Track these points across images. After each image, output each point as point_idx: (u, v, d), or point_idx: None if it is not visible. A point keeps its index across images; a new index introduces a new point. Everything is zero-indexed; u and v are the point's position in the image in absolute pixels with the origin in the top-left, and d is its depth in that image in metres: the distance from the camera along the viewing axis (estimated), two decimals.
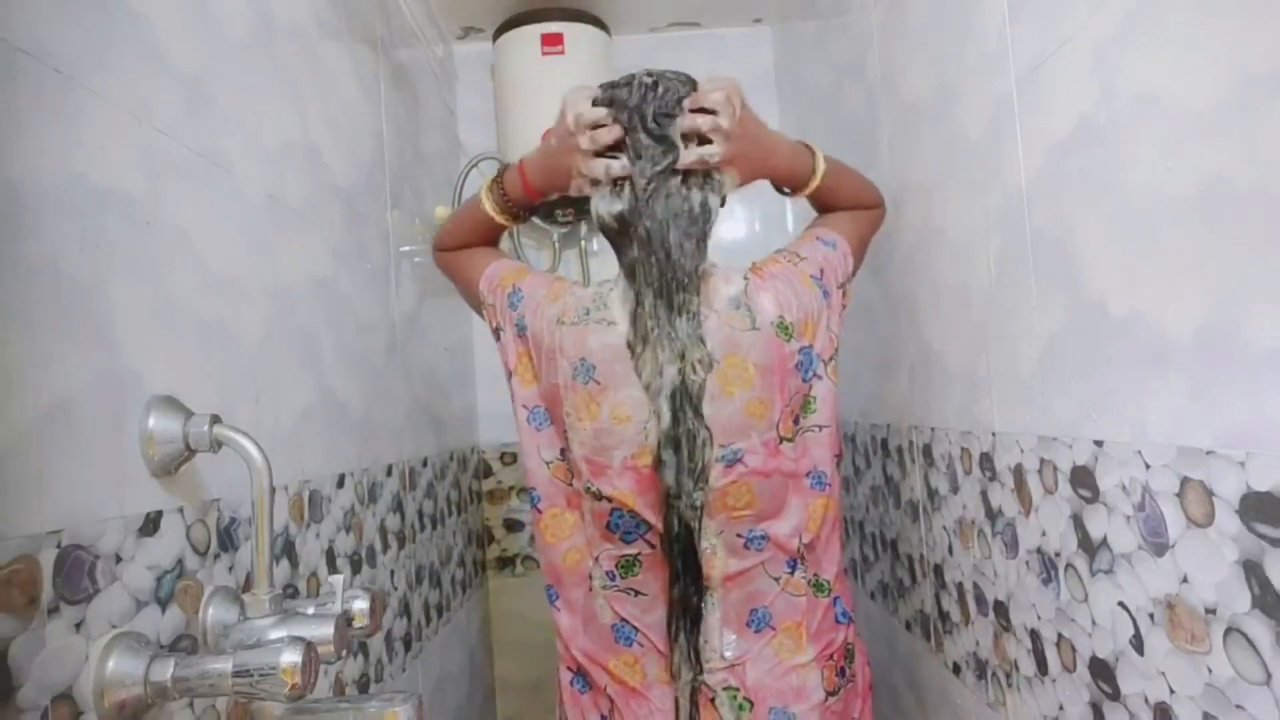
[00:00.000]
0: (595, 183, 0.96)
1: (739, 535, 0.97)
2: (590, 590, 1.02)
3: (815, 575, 1.02)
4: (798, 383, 0.99)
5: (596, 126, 0.95)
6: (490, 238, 1.12)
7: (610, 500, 0.97)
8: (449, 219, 1.16)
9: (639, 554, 1.00)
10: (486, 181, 1.07)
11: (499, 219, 1.07)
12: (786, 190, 1.08)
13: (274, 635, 0.66)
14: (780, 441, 0.97)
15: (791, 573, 1.00)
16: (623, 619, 1.01)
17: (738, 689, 0.98)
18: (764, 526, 0.98)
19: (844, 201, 1.09)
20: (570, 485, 1.02)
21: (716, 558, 0.97)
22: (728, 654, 0.98)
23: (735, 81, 0.97)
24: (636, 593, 1.00)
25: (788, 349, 0.97)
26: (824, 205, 1.10)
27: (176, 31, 0.77)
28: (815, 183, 1.05)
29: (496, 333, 1.07)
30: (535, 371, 1.03)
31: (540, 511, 1.04)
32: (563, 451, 1.02)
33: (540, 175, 1.02)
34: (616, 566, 1.00)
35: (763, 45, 2.19)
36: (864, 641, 1.09)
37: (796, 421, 1.00)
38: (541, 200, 1.06)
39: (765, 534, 0.98)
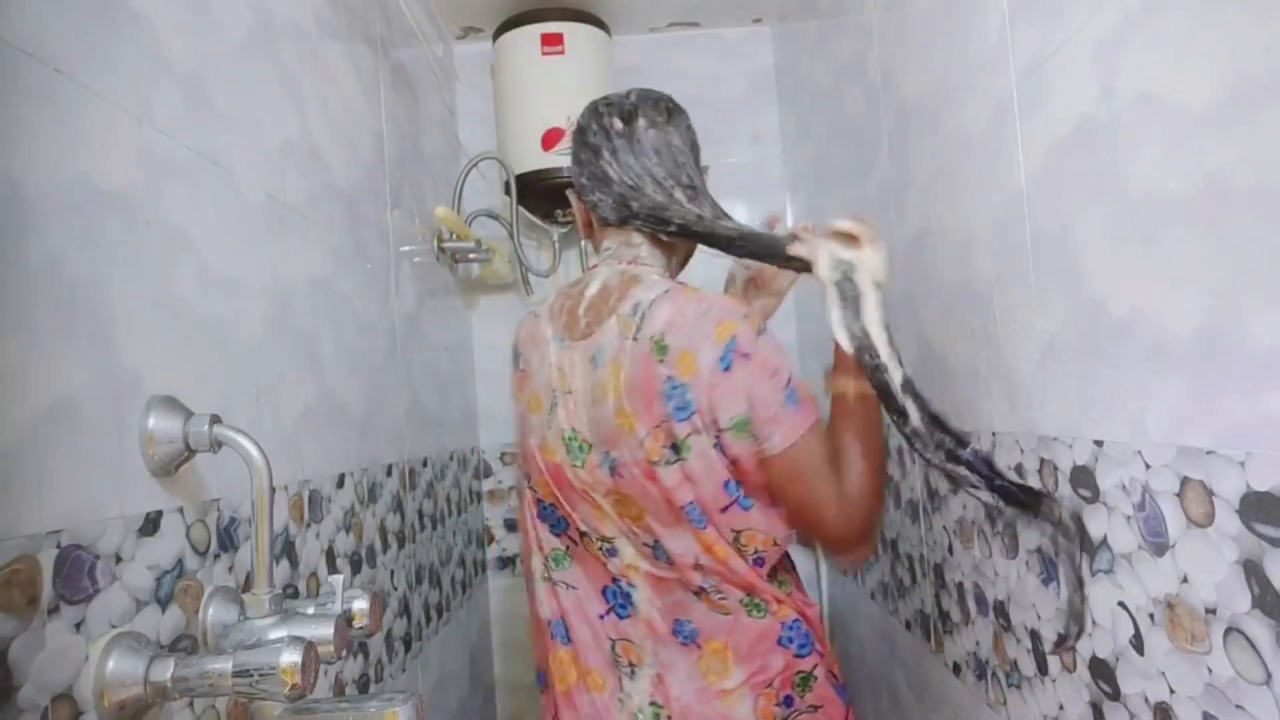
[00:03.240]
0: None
1: (645, 544, 0.95)
2: (536, 582, 1.03)
3: (748, 596, 0.94)
4: (665, 411, 0.88)
5: None
6: None
7: (534, 490, 1.01)
8: None
9: (566, 548, 1.01)
10: None
11: None
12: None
13: (274, 635, 0.66)
14: (649, 461, 0.90)
15: (712, 590, 0.94)
16: (559, 615, 1.01)
17: (662, 706, 0.94)
18: (661, 541, 0.93)
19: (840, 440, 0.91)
20: (525, 478, 1.05)
21: (624, 551, 0.96)
22: (658, 654, 0.95)
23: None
24: (568, 586, 1.00)
25: (659, 370, 0.88)
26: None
27: (176, 31, 0.77)
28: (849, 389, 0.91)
29: None
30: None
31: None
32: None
33: None
34: (549, 559, 1.01)
35: (762, 45, 2.19)
36: (839, 664, 1.01)
37: (675, 450, 0.89)
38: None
39: (666, 550, 0.93)
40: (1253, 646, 0.57)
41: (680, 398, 0.88)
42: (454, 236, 1.79)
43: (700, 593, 0.94)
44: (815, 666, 0.97)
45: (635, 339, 0.90)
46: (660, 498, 0.91)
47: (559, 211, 1.96)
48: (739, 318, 0.90)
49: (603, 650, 0.98)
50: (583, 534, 0.98)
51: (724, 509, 0.91)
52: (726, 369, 0.87)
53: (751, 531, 0.92)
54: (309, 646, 0.60)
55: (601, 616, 0.99)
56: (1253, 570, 0.56)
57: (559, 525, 1.01)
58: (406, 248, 1.55)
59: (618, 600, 0.98)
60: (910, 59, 1.19)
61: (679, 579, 0.94)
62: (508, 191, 1.91)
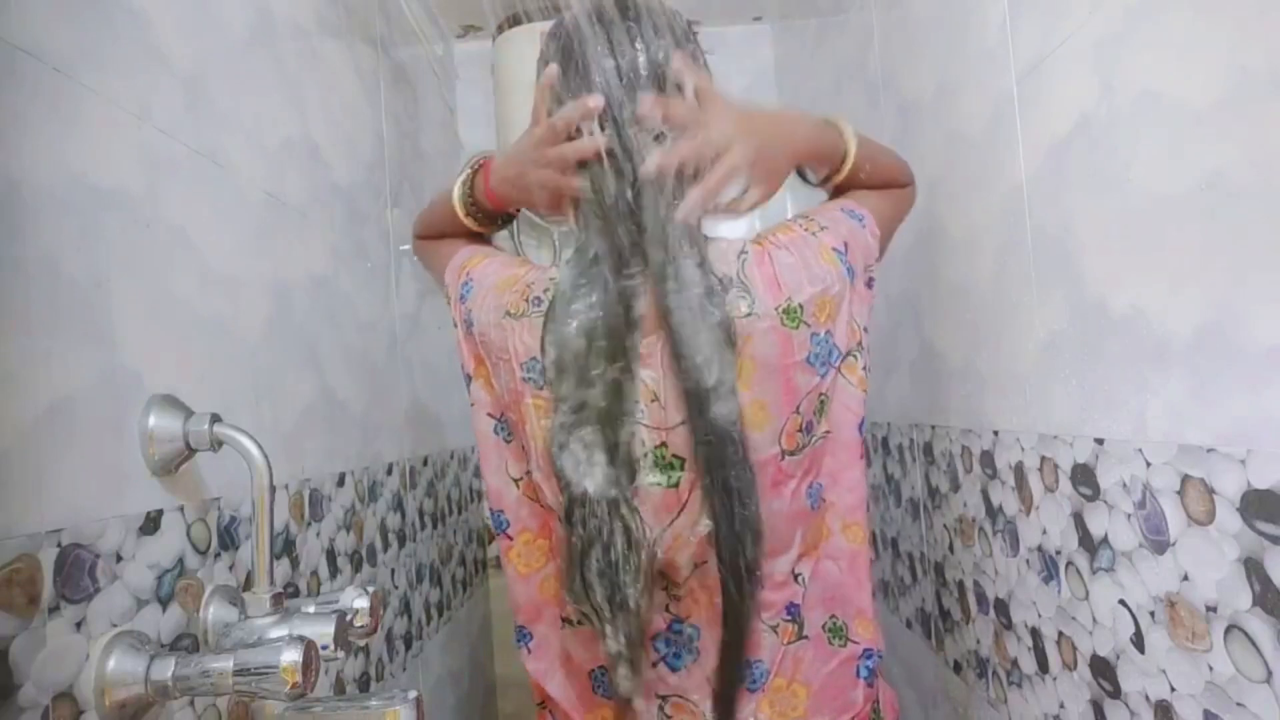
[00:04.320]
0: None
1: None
2: (564, 627, 0.86)
3: (832, 617, 0.84)
4: (812, 379, 0.80)
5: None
6: (466, 234, 0.96)
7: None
8: (426, 205, 1.02)
9: None
10: (462, 174, 0.92)
11: (466, 222, 0.92)
12: (813, 179, 0.91)
13: (274, 634, 0.66)
14: (783, 457, 0.79)
15: (791, 620, 0.83)
16: (602, 665, 0.84)
17: None
18: (762, 564, 0.79)
19: (875, 185, 0.91)
20: (538, 502, 0.86)
21: (695, 586, 0.80)
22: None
23: (705, 80, 0.79)
24: None
25: (796, 338, 0.78)
26: (852, 189, 0.92)
27: (176, 30, 0.77)
28: (848, 168, 0.87)
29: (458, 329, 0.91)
30: (489, 376, 0.86)
31: (510, 538, 0.88)
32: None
33: (502, 183, 0.86)
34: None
35: (763, 43, 2.19)
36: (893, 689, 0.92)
37: (809, 429, 0.81)
38: (510, 211, 0.92)
39: (760, 572, 0.80)
40: (1253, 644, 0.57)
41: (824, 348, 0.80)
42: None
43: (775, 627, 0.82)
44: (882, 693, 0.87)
45: (753, 314, 0.77)
46: (781, 505, 0.80)
47: None
48: (821, 227, 0.84)
49: (649, 711, 0.82)
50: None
51: (851, 464, 0.84)
52: (850, 274, 0.83)
53: (855, 504, 0.85)
54: (309, 645, 0.60)
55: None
56: (1254, 568, 0.56)
57: None
58: (407, 246, 1.55)
59: (673, 649, 0.82)
60: (911, 57, 1.19)
61: (759, 605, 0.81)
62: None
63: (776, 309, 0.78)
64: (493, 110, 2.03)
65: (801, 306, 0.78)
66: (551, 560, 0.86)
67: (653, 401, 0.75)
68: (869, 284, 0.87)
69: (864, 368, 0.85)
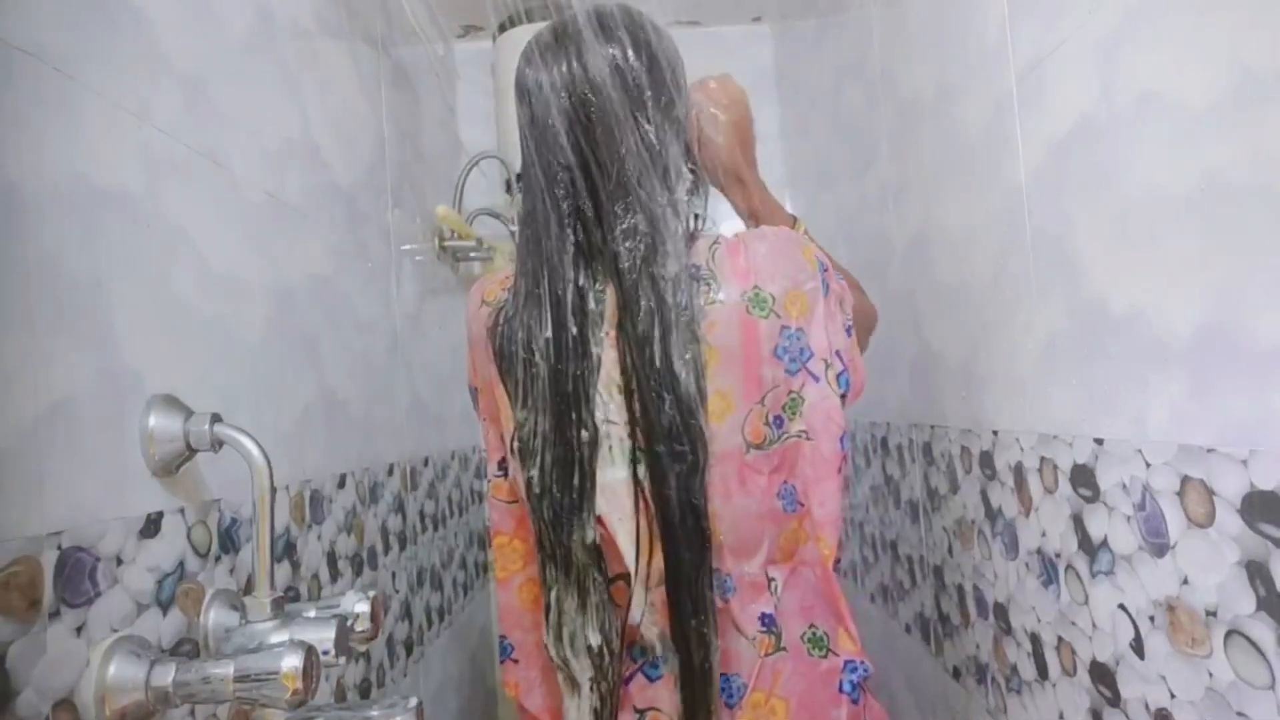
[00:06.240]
0: None
1: None
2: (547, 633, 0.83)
3: (811, 627, 0.81)
4: (779, 374, 0.78)
5: None
6: None
7: None
8: None
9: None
10: None
11: None
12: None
13: (275, 639, 0.66)
14: (747, 450, 0.77)
15: (767, 631, 0.79)
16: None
17: None
18: (730, 567, 0.78)
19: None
20: (512, 503, 0.86)
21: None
22: None
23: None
24: None
25: (764, 327, 0.77)
26: None
27: (176, 29, 0.77)
28: (801, 230, 0.92)
29: None
30: (474, 370, 0.89)
31: (492, 541, 0.88)
32: (501, 463, 0.87)
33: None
34: None
35: (762, 44, 2.19)
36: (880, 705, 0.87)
37: (779, 424, 0.79)
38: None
39: (731, 576, 0.79)
40: (1257, 649, 0.57)
41: (794, 344, 0.78)
42: (455, 235, 1.79)
43: (753, 638, 0.79)
44: (868, 710, 0.83)
45: (719, 301, 0.76)
46: (749, 502, 0.78)
47: None
48: (810, 240, 0.86)
49: None
50: (615, 577, 0.78)
51: (829, 478, 0.80)
52: (825, 289, 0.81)
53: (834, 519, 0.80)
54: (310, 651, 0.60)
55: (626, 681, 0.79)
56: (1257, 571, 0.56)
57: None
58: (407, 246, 1.55)
59: (649, 658, 0.79)
60: (910, 57, 1.19)
61: (732, 617, 0.79)
62: (509, 190, 1.91)
63: (743, 295, 0.77)
64: (493, 110, 2.03)
65: (773, 296, 0.77)
66: (530, 562, 0.85)
67: (619, 393, 0.76)
68: (848, 332, 0.83)
69: (839, 376, 0.81)
